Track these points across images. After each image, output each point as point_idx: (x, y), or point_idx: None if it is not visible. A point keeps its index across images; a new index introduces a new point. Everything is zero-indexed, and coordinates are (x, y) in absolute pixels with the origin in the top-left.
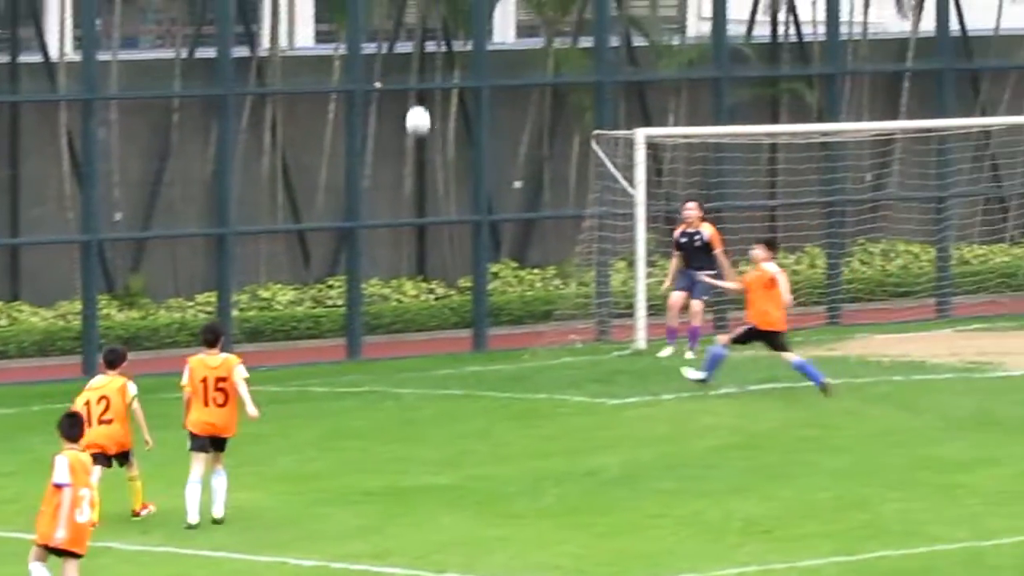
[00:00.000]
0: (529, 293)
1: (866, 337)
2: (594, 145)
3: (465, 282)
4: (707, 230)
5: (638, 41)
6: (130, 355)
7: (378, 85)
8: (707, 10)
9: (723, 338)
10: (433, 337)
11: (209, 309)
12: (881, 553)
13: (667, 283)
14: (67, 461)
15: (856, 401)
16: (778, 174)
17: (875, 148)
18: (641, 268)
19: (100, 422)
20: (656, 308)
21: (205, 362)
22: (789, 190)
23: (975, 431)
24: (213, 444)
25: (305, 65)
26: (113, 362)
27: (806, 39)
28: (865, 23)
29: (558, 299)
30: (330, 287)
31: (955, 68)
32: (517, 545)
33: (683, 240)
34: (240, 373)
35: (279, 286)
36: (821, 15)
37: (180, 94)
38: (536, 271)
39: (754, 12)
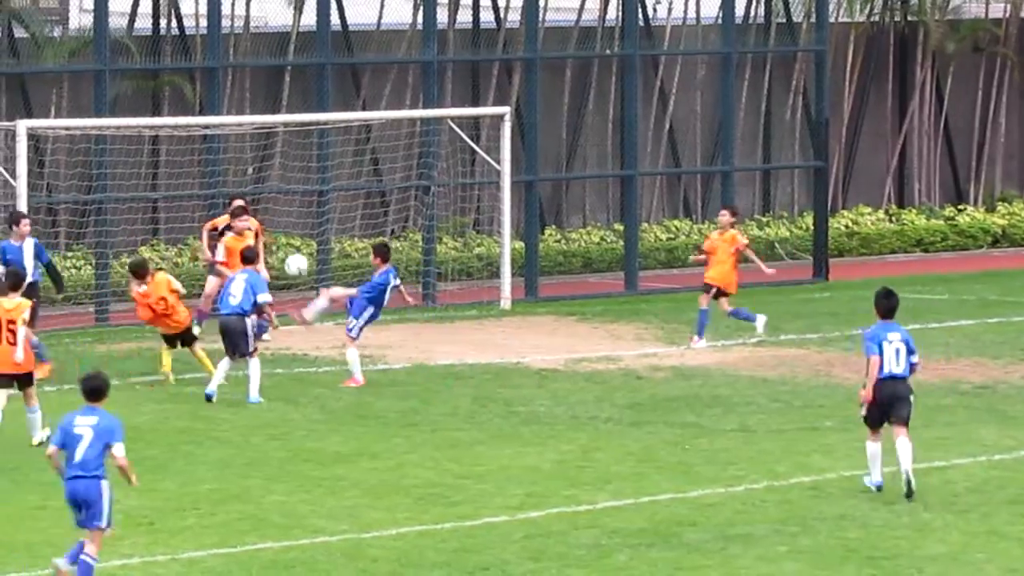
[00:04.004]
0: None
1: None
2: None
3: None
4: (254, 223)
5: (19, 33)
6: None
7: None
8: (89, 2)
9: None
10: None
11: None
12: (262, 545)
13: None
14: None
15: (238, 394)
16: (160, 167)
17: (257, 141)
18: None
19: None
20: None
21: (3, 304)
22: (171, 183)
23: (355, 424)
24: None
25: None
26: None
27: (188, 32)
28: (247, 17)
29: None
30: None
31: (336, 62)
32: None
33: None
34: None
35: None
36: (204, 9)
37: None
38: None
39: (136, 5)
